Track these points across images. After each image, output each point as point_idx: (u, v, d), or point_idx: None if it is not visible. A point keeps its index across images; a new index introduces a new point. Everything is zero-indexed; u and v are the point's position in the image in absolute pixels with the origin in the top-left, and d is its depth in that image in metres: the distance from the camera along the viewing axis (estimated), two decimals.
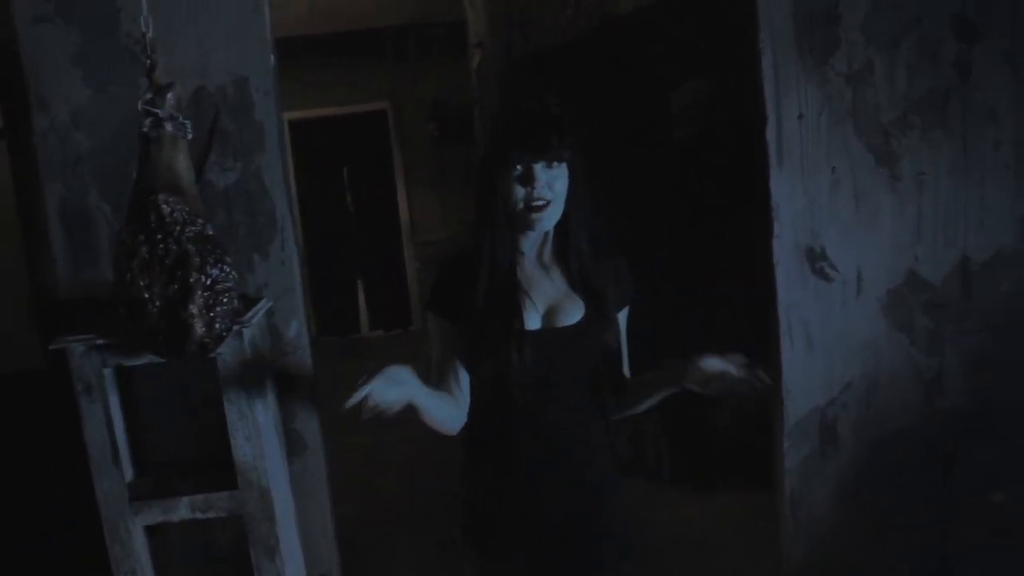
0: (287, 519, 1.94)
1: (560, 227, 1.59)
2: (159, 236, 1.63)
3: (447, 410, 1.55)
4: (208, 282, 1.64)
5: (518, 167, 1.53)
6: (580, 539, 1.62)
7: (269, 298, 1.97)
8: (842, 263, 2.10)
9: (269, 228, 2.01)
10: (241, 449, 1.79)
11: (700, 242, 4.06)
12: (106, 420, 1.79)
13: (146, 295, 1.63)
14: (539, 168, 1.52)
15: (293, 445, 2.05)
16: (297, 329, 2.04)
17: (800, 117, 2.03)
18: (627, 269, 1.70)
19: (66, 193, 2.00)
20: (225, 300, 1.66)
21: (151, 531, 1.91)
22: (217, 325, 1.65)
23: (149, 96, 1.69)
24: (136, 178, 1.71)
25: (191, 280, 1.62)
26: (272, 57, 1.99)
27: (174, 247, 1.63)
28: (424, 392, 1.43)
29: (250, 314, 1.80)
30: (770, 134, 2.03)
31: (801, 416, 2.15)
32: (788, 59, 2.01)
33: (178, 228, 1.64)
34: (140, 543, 1.85)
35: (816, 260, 2.09)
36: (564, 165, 1.55)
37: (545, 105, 1.59)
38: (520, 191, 1.53)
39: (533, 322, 1.57)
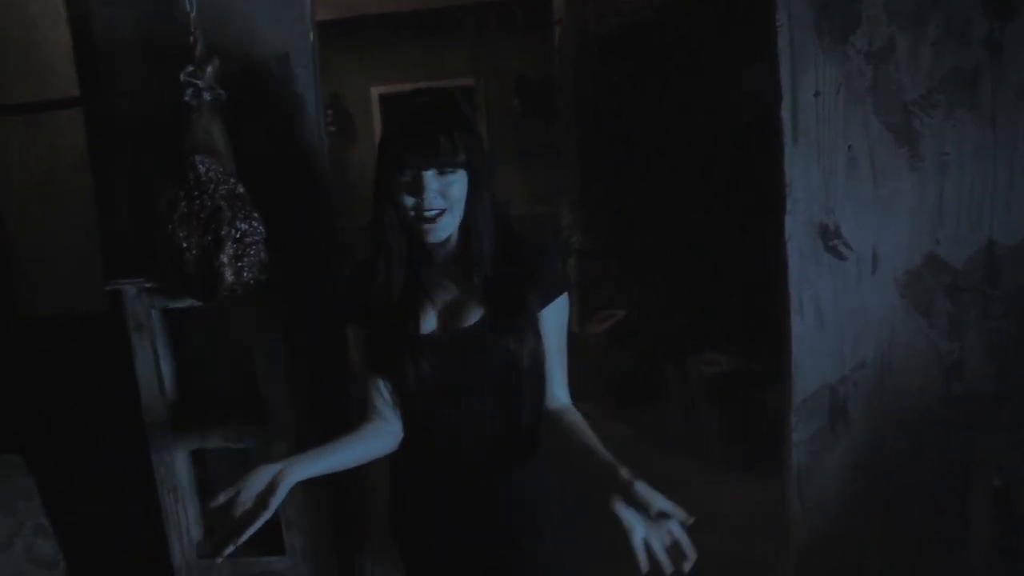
0: None
1: (464, 228, 1.46)
2: (196, 193, 1.83)
3: (363, 446, 1.48)
4: (237, 235, 1.82)
5: (406, 173, 1.40)
6: (495, 548, 1.55)
7: None
8: (857, 242, 2.10)
9: None
10: (269, 389, 1.98)
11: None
12: (153, 355, 2.01)
13: (184, 245, 1.83)
14: (429, 176, 1.39)
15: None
16: None
17: (817, 95, 2.04)
18: (555, 261, 1.55)
19: (130, 157, 2.22)
20: (252, 251, 1.84)
21: (193, 456, 2.13)
22: (245, 274, 1.84)
23: (191, 69, 1.88)
24: (176, 142, 1.91)
25: (222, 232, 1.81)
26: (312, 35, 2.15)
27: (208, 203, 1.82)
28: (306, 464, 1.32)
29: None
30: (785, 111, 2.05)
31: (810, 392, 2.18)
32: (806, 37, 2.02)
33: (212, 186, 1.83)
34: (181, 466, 2.07)
35: (830, 238, 2.10)
36: (461, 171, 1.41)
37: (438, 103, 1.44)
38: (409, 199, 1.41)
39: (428, 325, 1.48)
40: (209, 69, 1.88)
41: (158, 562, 2.19)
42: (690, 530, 1.23)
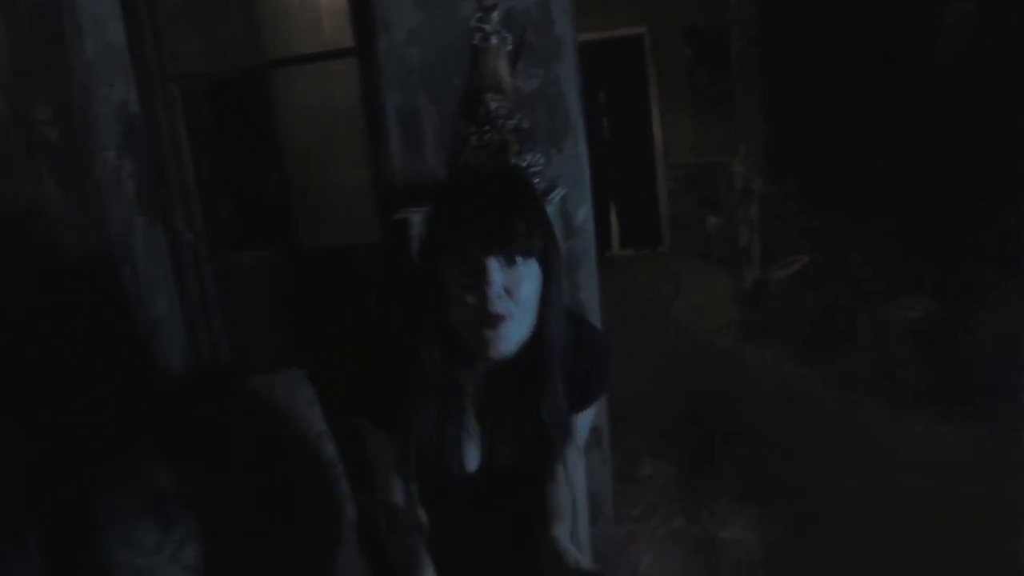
0: None
1: (526, 346, 1.15)
2: (486, 127, 2.03)
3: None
4: (523, 165, 2.02)
5: (466, 261, 1.10)
6: None
7: (563, 187, 2.33)
8: None
9: (564, 127, 2.35)
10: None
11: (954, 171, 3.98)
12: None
13: None
14: (494, 265, 1.09)
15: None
16: (584, 215, 2.39)
17: None
18: (606, 358, 1.30)
19: (401, 99, 2.45)
20: (536, 181, 2.03)
21: None
22: None
23: (479, 15, 2.08)
24: (467, 81, 2.11)
25: (510, 163, 2.01)
26: None
27: (497, 136, 2.02)
28: None
29: (552, 196, 2.17)
30: None
31: None
32: None
33: (500, 121, 2.02)
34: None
35: None
36: (533, 262, 1.13)
37: (503, 178, 1.17)
38: (468, 299, 1.10)
39: (471, 462, 1.25)
40: (494, 14, 2.07)
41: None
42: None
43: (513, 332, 1.12)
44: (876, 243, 4.43)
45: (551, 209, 2.15)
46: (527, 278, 1.12)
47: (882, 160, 4.33)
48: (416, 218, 2.23)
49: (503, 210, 1.11)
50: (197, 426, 2.15)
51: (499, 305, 1.10)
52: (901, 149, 4.28)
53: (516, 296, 1.11)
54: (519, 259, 1.11)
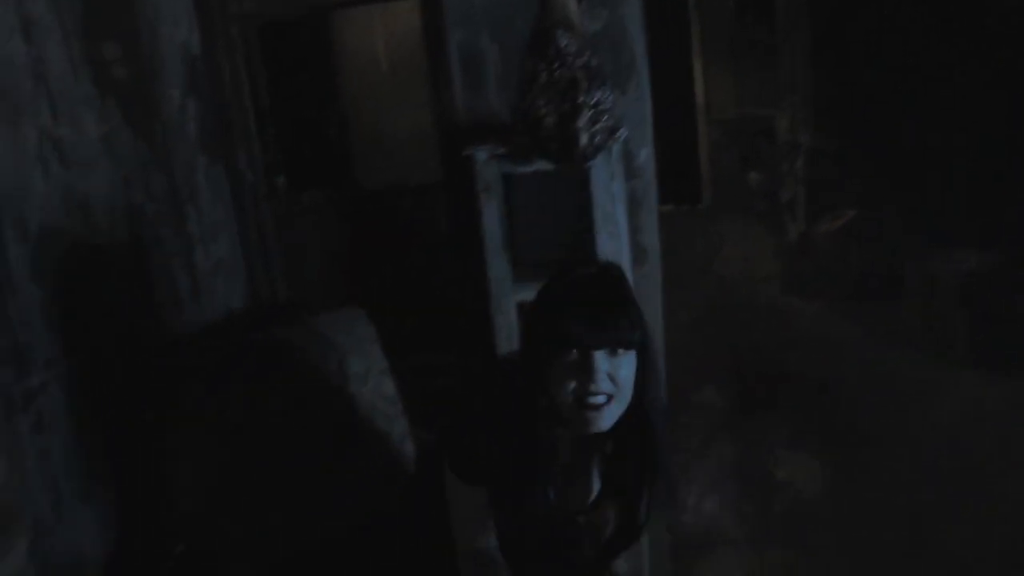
0: None
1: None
2: (555, 64, 2.03)
3: None
4: (592, 103, 2.02)
5: (573, 352, 1.24)
6: None
7: (626, 127, 2.33)
8: None
9: (628, 68, 2.35)
10: (604, 244, 2.19)
11: None
12: (499, 213, 2.27)
13: (543, 112, 2.05)
14: (600, 356, 1.24)
15: (638, 254, 2.44)
16: (645, 157, 2.39)
17: None
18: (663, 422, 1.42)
19: (463, 38, 2.45)
20: (604, 119, 2.04)
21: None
22: (597, 138, 2.05)
23: None
24: (537, 18, 2.11)
25: (579, 100, 2.01)
26: None
27: (567, 73, 2.02)
28: None
29: (617, 135, 2.17)
30: None
31: None
32: None
33: (570, 58, 2.02)
34: (514, 315, 2.35)
35: None
36: (632, 352, 1.27)
37: (610, 275, 1.32)
38: (571, 384, 1.24)
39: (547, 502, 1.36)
40: None
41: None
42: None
43: (612, 411, 1.27)
44: (925, 196, 4.38)
45: (615, 148, 2.16)
46: (626, 365, 1.26)
47: (933, 111, 4.27)
48: (481, 155, 2.24)
49: (608, 306, 1.25)
50: (259, 362, 2.20)
51: (603, 389, 1.24)
52: (952, 100, 4.21)
53: (617, 382, 1.25)
54: (620, 351, 1.25)
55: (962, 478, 2.99)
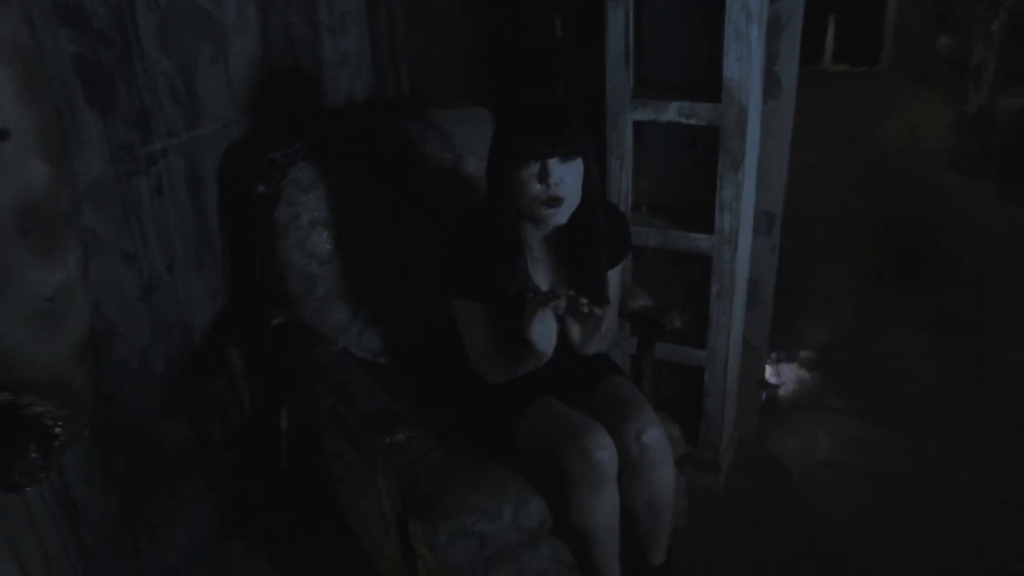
0: (752, 144, 2.18)
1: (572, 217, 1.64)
2: None
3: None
4: None
5: (532, 163, 1.56)
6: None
7: None
8: None
9: None
10: (731, 67, 2.02)
11: None
12: (625, 25, 2.12)
13: None
14: (554, 163, 1.56)
15: (771, 86, 2.24)
16: None
17: None
18: (625, 228, 1.85)
19: None
20: None
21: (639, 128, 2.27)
22: None
23: None
24: None
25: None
26: None
27: None
28: None
29: None
30: None
31: None
32: None
33: None
34: (630, 134, 2.23)
35: None
36: (579, 159, 1.59)
37: (550, 100, 1.72)
38: (535, 187, 1.58)
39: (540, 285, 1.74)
40: None
41: None
42: None
43: (566, 208, 1.61)
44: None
45: None
46: (573, 171, 1.59)
47: None
48: None
49: (554, 121, 1.56)
50: (375, 146, 2.17)
51: (558, 190, 1.58)
52: None
53: (567, 184, 1.58)
54: (569, 157, 1.57)
55: None
